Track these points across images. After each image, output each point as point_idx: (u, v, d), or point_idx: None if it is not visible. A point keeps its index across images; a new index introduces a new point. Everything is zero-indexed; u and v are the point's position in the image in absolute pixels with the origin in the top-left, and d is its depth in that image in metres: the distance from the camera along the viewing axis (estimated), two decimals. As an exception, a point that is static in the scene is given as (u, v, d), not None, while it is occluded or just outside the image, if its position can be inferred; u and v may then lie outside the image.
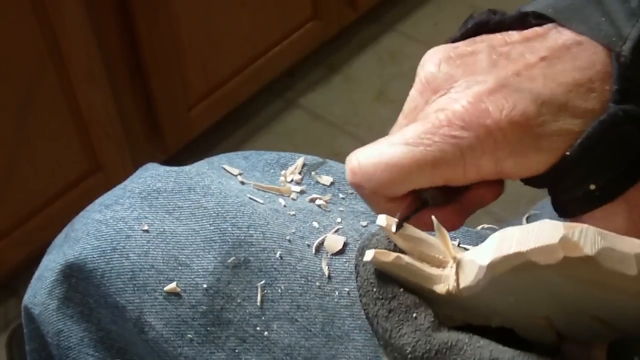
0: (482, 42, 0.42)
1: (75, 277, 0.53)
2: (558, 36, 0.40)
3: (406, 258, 0.39)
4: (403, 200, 0.41)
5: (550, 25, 0.41)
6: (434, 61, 0.42)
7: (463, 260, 0.38)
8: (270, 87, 1.70)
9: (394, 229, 0.39)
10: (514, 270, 0.35)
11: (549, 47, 0.40)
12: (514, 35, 0.42)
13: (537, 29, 0.41)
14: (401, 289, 0.39)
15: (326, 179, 0.57)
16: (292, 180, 0.57)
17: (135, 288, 0.51)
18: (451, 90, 0.40)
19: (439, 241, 0.39)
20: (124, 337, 0.53)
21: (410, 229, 0.40)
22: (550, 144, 0.38)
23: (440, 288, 0.39)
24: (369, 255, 0.39)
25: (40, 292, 0.55)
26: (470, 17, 0.45)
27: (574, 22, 0.40)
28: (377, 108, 1.74)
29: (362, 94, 1.77)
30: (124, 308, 0.51)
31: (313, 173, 0.57)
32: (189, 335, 0.49)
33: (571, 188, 0.40)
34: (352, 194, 0.56)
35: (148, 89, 1.42)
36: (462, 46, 0.42)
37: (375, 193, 0.41)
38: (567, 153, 0.38)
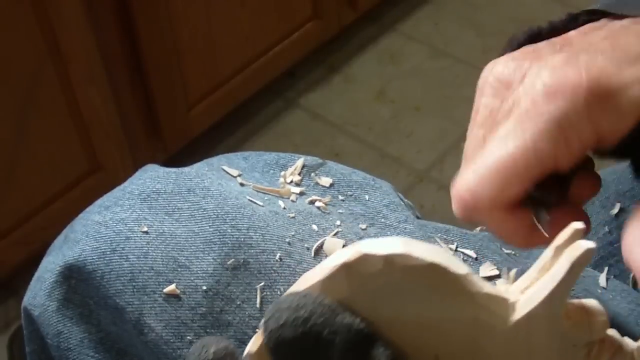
0: (541, 43, 0.42)
1: (74, 278, 0.53)
2: (614, 23, 0.41)
3: None
4: (520, 213, 0.40)
5: (603, 19, 0.42)
6: (500, 62, 0.42)
7: None
8: (270, 87, 1.70)
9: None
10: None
11: (608, 29, 0.40)
12: (570, 33, 0.42)
13: (591, 23, 0.42)
14: None
15: (325, 181, 0.57)
16: (291, 182, 0.57)
17: (135, 289, 0.51)
18: (525, 79, 0.40)
19: None
20: (124, 339, 0.53)
21: None
22: (638, 91, 0.38)
23: None
24: None
25: (40, 293, 0.55)
26: (513, 36, 0.45)
27: (627, 10, 0.41)
28: (377, 108, 1.74)
29: (362, 94, 1.77)
30: (123, 309, 0.51)
31: (313, 174, 0.57)
32: (188, 337, 0.49)
33: None
34: (351, 195, 0.56)
35: (148, 89, 1.42)
36: (523, 49, 0.42)
37: (492, 208, 0.40)
38: None
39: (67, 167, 1.33)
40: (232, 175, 0.57)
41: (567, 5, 1.92)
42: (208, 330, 0.49)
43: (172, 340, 0.49)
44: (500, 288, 0.36)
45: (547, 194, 0.40)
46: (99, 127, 1.34)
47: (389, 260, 0.34)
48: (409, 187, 1.59)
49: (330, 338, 0.33)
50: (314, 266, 0.50)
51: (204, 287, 0.50)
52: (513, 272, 0.38)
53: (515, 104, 0.40)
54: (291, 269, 0.50)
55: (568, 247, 0.35)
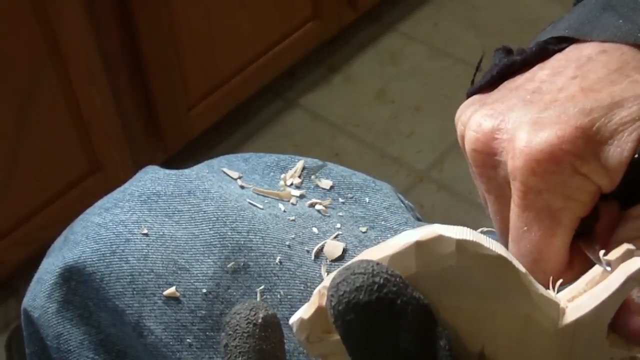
0: (512, 90, 0.42)
1: (74, 280, 0.53)
2: (581, 52, 0.41)
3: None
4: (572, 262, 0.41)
5: (570, 47, 0.42)
6: (473, 127, 0.42)
7: None
8: (270, 87, 1.70)
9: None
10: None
11: (576, 66, 0.40)
12: (539, 72, 0.42)
13: (557, 55, 0.42)
14: None
15: (326, 183, 0.57)
16: (291, 184, 0.57)
17: (135, 292, 0.51)
18: (503, 152, 0.40)
19: None
20: (124, 341, 0.53)
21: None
22: (620, 141, 0.38)
23: None
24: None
25: (40, 295, 0.55)
26: (488, 71, 0.44)
27: (595, 33, 0.41)
28: (377, 108, 1.74)
29: (362, 94, 1.77)
30: (123, 312, 0.51)
31: (313, 177, 0.57)
32: (187, 340, 0.49)
33: None
34: (351, 198, 0.56)
35: (148, 89, 1.42)
36: (493, 98, 0.42)
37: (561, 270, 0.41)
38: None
39: (67, 167, 1.34)
40: (232, 178, 0.57)
41: (566, 6, 1.92)
42: (208, 333, 0.49)
43: (171, 343, 0.50)
44: (551, 293, 0.37)
45: (588, 228, 0.41)
46: (99, 127, 1.34)
47: (462, 245, 0.34)
48: (408, 187, 1.59)
49: (403, 307, 0.33)
50: (314, 269, 0.51)
51: (204, 290, 0.50)
52: (558, 282, 0.39)
53: (511, 183, 0.40)
54: (291, 272, 0.50)
55: (621, 263, 0.36)
